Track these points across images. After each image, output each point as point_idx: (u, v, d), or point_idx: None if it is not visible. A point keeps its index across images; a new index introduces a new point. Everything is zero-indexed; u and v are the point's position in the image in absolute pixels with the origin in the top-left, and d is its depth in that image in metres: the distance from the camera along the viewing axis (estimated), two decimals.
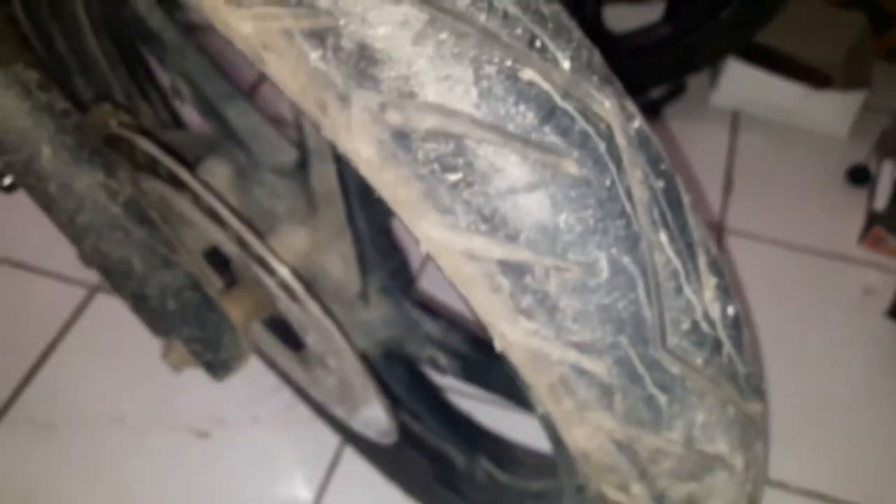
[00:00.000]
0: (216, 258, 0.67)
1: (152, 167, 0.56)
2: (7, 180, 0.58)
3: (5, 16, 0.50)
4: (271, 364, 0.94)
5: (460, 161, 0.31)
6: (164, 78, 0.81)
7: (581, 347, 0.34)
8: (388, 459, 0.86)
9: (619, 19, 1.36)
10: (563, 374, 0.35)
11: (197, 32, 0.84)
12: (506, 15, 0.30)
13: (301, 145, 0.51)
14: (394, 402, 0.67)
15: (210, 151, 0.61)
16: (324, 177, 0.52)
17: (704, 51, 1.29)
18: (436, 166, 0.31)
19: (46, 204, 0.52)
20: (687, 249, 0.34)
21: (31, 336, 1.01)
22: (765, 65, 1.37)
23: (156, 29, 0.56)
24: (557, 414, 0.37)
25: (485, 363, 0.59)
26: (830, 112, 1.40)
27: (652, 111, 1.39)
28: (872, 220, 1.25)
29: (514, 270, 0.33)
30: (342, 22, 0.29)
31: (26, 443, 0.92)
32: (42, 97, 0.49)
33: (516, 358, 0.36)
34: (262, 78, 1.35)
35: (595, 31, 1.33)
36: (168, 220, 0.63)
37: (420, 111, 0.30)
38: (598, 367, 0.34)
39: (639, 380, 0.34)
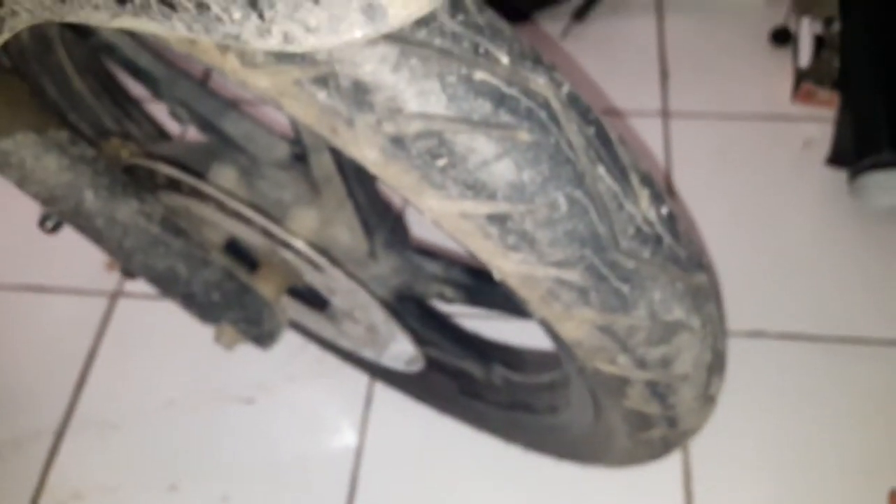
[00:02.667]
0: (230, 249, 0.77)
1: (173, 185, 0.65)
2: (50, 223, 0.68)
3: (30, 89, 0.58)
4: (295, 325, 1.05)
5: (443, 149, 0.41)
6: (138, 95, 0.90)
7: (558, 264, 0.45)
8: (417, 385, 0.98)
9: None
10: (549, 287, 0.46)
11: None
12: (454, 35, 0.40)
13: (298, 142, 0.61)
14: (413, 335, 0.78)
15: (211, 157, 0.70)
16: (321, 164, 0.62)
17: None
18: (426, 157, 0.41)
19: (97, 237, 0.61)
20: (621, 174, 0.45)
21: (71, 349, 1.11)
22: None
23: (146, 67, 0.64)
24: (550, 316, 0.48)
25: (483, 287, 0.70)
26: None
27: (579, 16, 1.46)
28: (801, 76, 1.34)
29: (499, 220, 0.43)
30: (338, 67, 0.39)
31: (96, 443, 1.03)
32: (75, 151, 0.58)
33: (512, 282, 0.47)
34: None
35: None
36: (190, 225, 0.72)
37: (407, 120, 0.40)
38: (573, 275, 0.45)
39: (604, 278, 0.46)
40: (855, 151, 1.17)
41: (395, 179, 0.43)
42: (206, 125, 0.66)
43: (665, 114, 1.35)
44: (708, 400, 0.59)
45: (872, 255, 1.14)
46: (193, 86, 0.65)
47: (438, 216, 0.44)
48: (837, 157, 1.23)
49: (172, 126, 0.97)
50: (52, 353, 1.11)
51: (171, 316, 1.11)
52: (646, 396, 0.54)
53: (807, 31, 1.37)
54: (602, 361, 0.51)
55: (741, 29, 1.46)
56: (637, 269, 0.46)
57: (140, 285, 1.16)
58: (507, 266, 0.46)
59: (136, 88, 0.87)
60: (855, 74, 1.25)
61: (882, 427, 0.98)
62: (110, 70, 0.83)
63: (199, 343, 1.09)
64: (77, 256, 1.17)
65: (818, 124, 1.32)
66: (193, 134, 1.19)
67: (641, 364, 0.51)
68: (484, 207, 0.43)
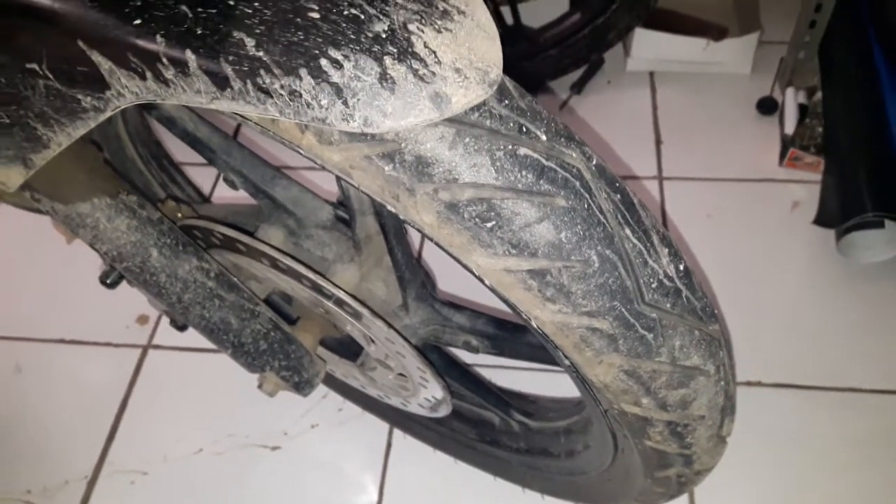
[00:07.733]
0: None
1: (228, 244, 0.71)
2: (110, 279, 0.73)
3: (103, 158, 0.65)
4: None
5: (492, 213, 0.47)
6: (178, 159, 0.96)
7: (590, 314, 0.51)
8: (435, 433, 1.02)
9: (533, 16, 1.52)
10: (581, 334, 0.52)
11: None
12: (501, 117, 0.47)
13: (345, 206, 0.67)
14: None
15: (257, 218, 0.77)
16: (365, 225, 0.68)
17: (612, 29, 1.44)
18: (477, 220, 0.48)
19: (159, 292, 0.67)
20: (644, 235, 0.52)
21: (104, 399, 1.15)
22: (668, 28, 1.54)
23: (203, 139, 0.71)
24: (581, 362, 0.54)
25: (507, 337, 0.76)
26: (732, 56, 1.57)
27: (577, 89, 1.55)
28: (787, 142, 1.43)
29: (538, 274, 0.50)
30: (403, 145, 0.46)
31: (126, 490, 1.07)
32: (143, 213, 0.64)
33: (548, 330, 0.53)
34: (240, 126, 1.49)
35: (517, 31, 1.49)
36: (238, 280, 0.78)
37: (461, 189, 0.47)
38: (604, 324, 0.51)
39: (632, 327, 0.52)
40: (840, 212, 1.25)
41: (447, 240, 0.49)
42: (258, 191, 0.72)
43: (660, 178, 1.43)
44: (720, 440, 0.64)
45: (859, 309, 1.20)
46: (246, 155, 0.72)
47: (485, 272, 0.50)
48: (824, 218, 1.30)
49: (207, 189, 1.04)
50: (86, 403, 1.16)
51: (199, 367, 1.16)
52: (666, 436, 0.60)
53: (791, 100, 1.47)
54: (627, 403, 0.57)
55: (729, 99, 1.56)
56: (659, 318, 0.53)
57: (168, 338, 1.21)
58: (544, 315, 0.52)
59: (178, 154, 0.95)
60: (836, 140, 1.34)
61: (868, 469, 1.04)
62: (158, 139, 0.90)
63: (224, 393, 1.14)
64: (110, 312, 1.22)
65: (805, 186, 1.39)
66: (222, 196, 1.26)
67: (663, 406, 0.57)
68: (526, 264, 0.49)
